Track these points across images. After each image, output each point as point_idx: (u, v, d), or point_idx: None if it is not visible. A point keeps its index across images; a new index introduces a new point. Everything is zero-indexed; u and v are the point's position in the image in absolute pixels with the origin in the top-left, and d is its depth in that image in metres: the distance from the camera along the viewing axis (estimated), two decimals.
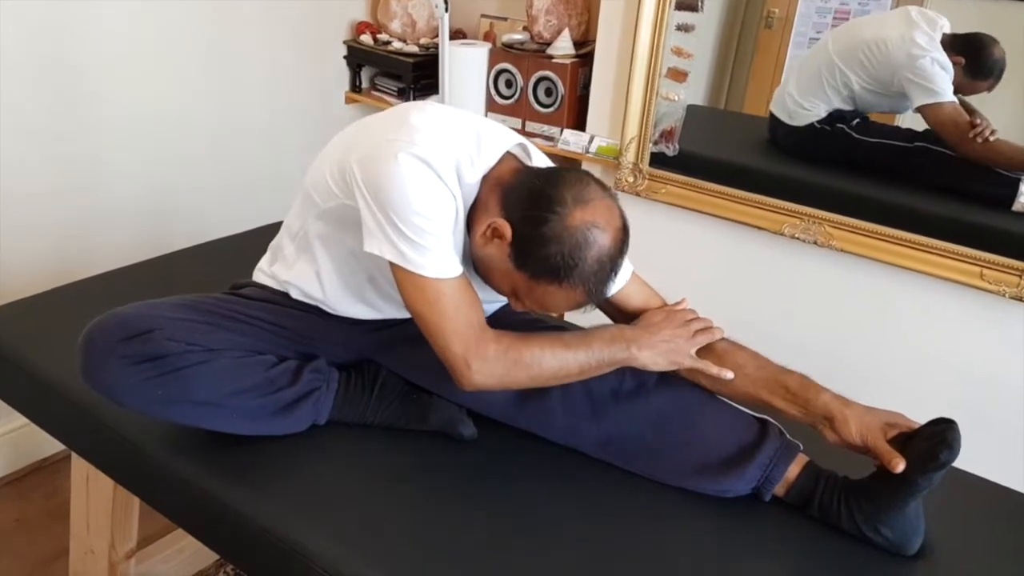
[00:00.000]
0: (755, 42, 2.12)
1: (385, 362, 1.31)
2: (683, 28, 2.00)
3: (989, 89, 1.73)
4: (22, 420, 1.50)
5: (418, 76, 2.51)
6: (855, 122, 1.93)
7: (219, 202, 2.37)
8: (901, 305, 1.88)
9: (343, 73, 2.66)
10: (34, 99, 1.90)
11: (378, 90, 2.68)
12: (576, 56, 2.30)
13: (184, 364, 1.11)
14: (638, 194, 2.14)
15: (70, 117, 1.98)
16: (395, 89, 2.60)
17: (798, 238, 1.94)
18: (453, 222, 1.14)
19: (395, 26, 2.59)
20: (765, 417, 1.23)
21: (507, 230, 1.10)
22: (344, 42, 2.62)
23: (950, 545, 1.15)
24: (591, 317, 1.28)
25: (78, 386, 1.16)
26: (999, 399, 1.79)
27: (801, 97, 1.97)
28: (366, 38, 2.58)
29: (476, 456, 1.25)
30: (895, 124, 1.92)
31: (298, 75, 2.52)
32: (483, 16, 2.59)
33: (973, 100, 1.75)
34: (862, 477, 1.15)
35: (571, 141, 2.26)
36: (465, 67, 2.39)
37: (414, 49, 2.54)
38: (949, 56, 1.75)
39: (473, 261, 1.20)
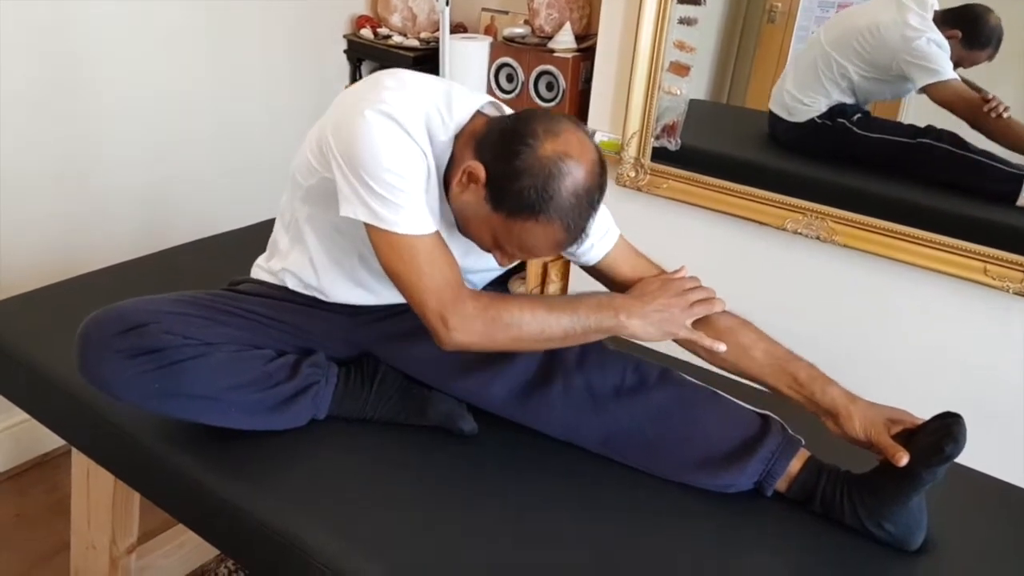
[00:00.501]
0: (758, 36, 2.11)
1: (384, 356, 1.31)
2: (685, 22, 1.99)
3: (990, 58, 1.71)
4: (22, 415, 1.50)
5: (418, 70, 2.48)
6: (856, 117, 1.92)
7: (218, 196, 2.37)
8: (904, 300, 1.87)
9: (343, 67, 2.66)
10: (33, 92, 1.90)
11: None
12: (577, 50, 2.29)
13: (181, 357, 1.11)
14: (640, 189, 2.13)
15: (70, 112, 1.98)
16: None
17: (801, 233, 1.94)
18: (425, 179, 1.13)
19: (395, 20, 2.58)
20: (767, 412, 1.23)
21: (481, 171, 1.09)
22: (344, 36, 2.62)
23: (953, 540, 1.14)
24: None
25: (77, 381, 1.16)
26: (1002, 395, 1.78)
27: (800, 93, 1.96)
28: (366, 32, 2.58)
29: (476, 451, 1.24)
30: (897, 119, 1.91)
31: (298, 69, 2.52)
32: (484, 10, 2.58)
33: (982, 81, 1.74)
34: (865, 472, 1.15)
35: None
36: (466, 61, 2.38)
37: (414, 43, 2.53)
38: (944, 32, 1.74)
39: (455, 217, 1.19)
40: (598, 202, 1.12)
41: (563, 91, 2.28)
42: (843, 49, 1.88)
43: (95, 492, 1.53)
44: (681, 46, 2.02)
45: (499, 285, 1.43)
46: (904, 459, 1.07)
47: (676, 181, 2.09)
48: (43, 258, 2.00)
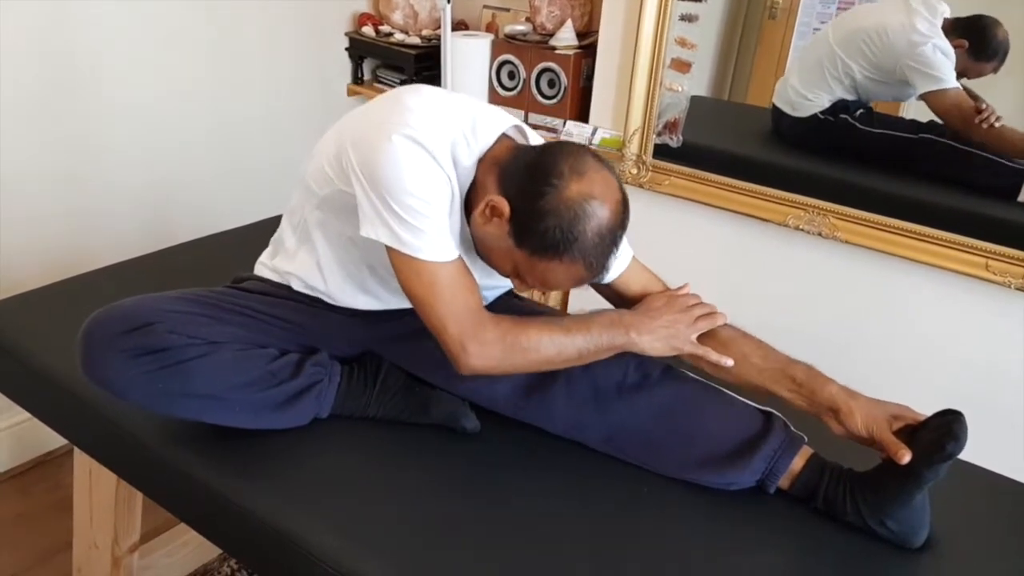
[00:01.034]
0: (759, 32, 2.10)
1: (387, 355, 1.31)
2: (686, 18, 1.99)
3: (995, 70, 1.71)
4: (25, 414, 1.50)
5: (420, 68, 2.50)
6: (859, 113, 1.91)
7: (220, 194, 2.37)
8: (906, 296, 1.87)
9: (345, 65, 2.65)
10: (33, 91, 1.90)
11: (380, 82, 2.67)
12: (579, 47, 2.29)
13: (185, 357, 1.11)
14: (642, 186, 2.13)
15: (70, 111, 1.98)
16: (397, 81, 2.60)
17: (802, 229, 1.93)
18: (449, 205, 1.13)
19: (397, 17, 2.58)
20: (769, 409, 1.22)
21: (505, 207, 1.09)
22: (346, 34, 2.62)
23: (955, 538, 1.14)
24: (591, 305, 1.27)
25: (80, 380, 1.15)
26: (1004, 390, 1.78)
27: (804, 88, 1.96)
28: (368, 30, 2.57)
29: (479, 449, 1.24)
30: (899, 115, 1.91)
31: (300, 67, 2.52)
32: (485, 7, 2.58)
33: (980, 86, 1.74)
34: (867, 469, 1.14)
35: (574, 133, 2.25)
36: (467, 59, 2.38)
37: (416, 41, 2.53)
38: (952, 40, 1.74)
39: (474, 244, 1.19)
40: (620, 239, 1.13)
41: (564, 88, 2.28)
42: (849, 48, 1.88)
43: (97, 491, 1.53)
44: (682, 43, 2.01)
45: (506, 292, 1.43)
46: (906, 456, 1.06)
47: (678, 178, 2.09)
48: (44, 257, 2.00)
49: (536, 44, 2.33)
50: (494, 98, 2.43)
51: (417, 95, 1.16)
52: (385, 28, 2.58)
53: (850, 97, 1.91)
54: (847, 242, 1.88)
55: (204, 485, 1.16)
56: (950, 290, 1.80)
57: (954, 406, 1.09)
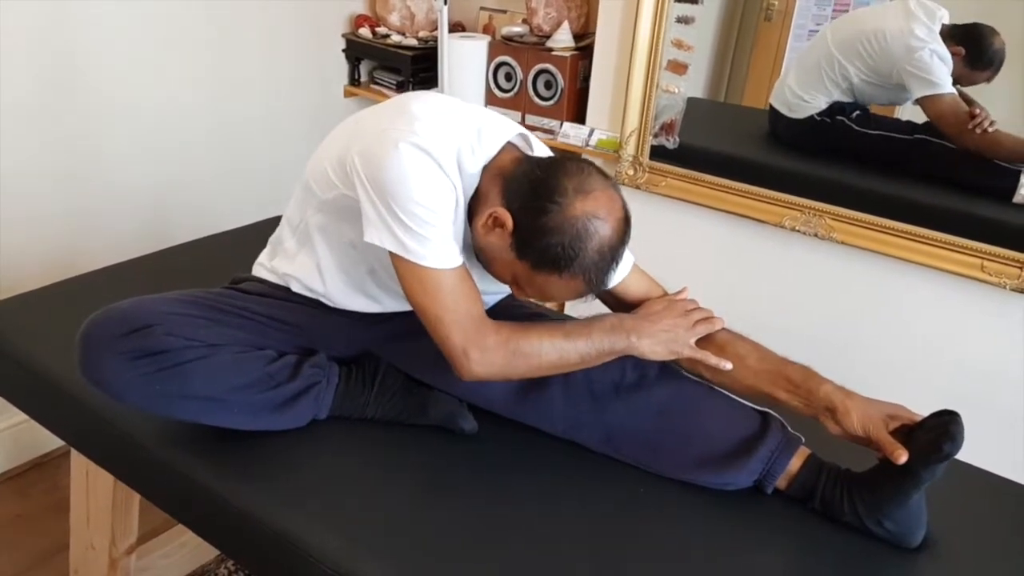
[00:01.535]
0: (755, 34, 2.11)
1: (385, 356, 1.31)
2: (683, 20, 2.00)
3: (989, 80, 1.72)
4: (22, 416, 1.50)
5: (417, 69, 2.50)
6: (855, 114, 1.92)
7: (218, 195, 2.37)
8: (902, 297, 1.88)
9: (342, 66, 2.66)
10: (33, 92, 1.89)
11: (377, 83, 2.67)
12: (576, 49, 2.29)
13: (183, 359, 1.11)
14: (638, 187, 2.13)
15: (70, 112, 1.98)
16: (394, 82, 2.60)
17: (798, 231, 1.94)
18: (454, 212, 1.13)
19: (394, 19, 2.58)
20: (767, 410, 1.23)
21: (508, 220, 1.10)
22: (343, 35, 2.62)
23: (953, 537, 1.15)
24: (592, 309, 1.27)
25: (77, 381, 1.15)
26: (1000, 391, 1.79)
27: (801, 90, 1.97)
28: (365, 31, 2.58)
29: (477, 450, 1.24)
30: (895, 116, 1.91)
31: (297, 69, 2.52)
32: (482, 9, 2.58)
33: (973, 91, 1.75)
34: (864, 470, 1.15)
35: (571, 134, 2.25)
36: (464, 60, 2.38)
37: (413, 42, 2.53)
38: (949, 47, 1.75)
39: (475, 251, 1.19)
40: (621, 255, 1.14)
41: (561, 90, 2.28)
42: (847, 51, 1.89)
43: (95, 492, 1.53)
44: (679, 44, 2.02)
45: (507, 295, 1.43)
46: (903, 457, 1.07)
47: (674, 179, 2.09)
48: (42, 258, 2.00)
49: (533, 46, 2.33)
50: (491, 100, 2.43)
51: (423, 103, 1.17)
52: (382, 30, 2.59)
53: (847, 99, 1.92)
54: (843, 243, 1.89)
55: (202, 486, 1.16)
56: (946, 291, 1.81)
57: (950, 407, 1.10)
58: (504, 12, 2.54)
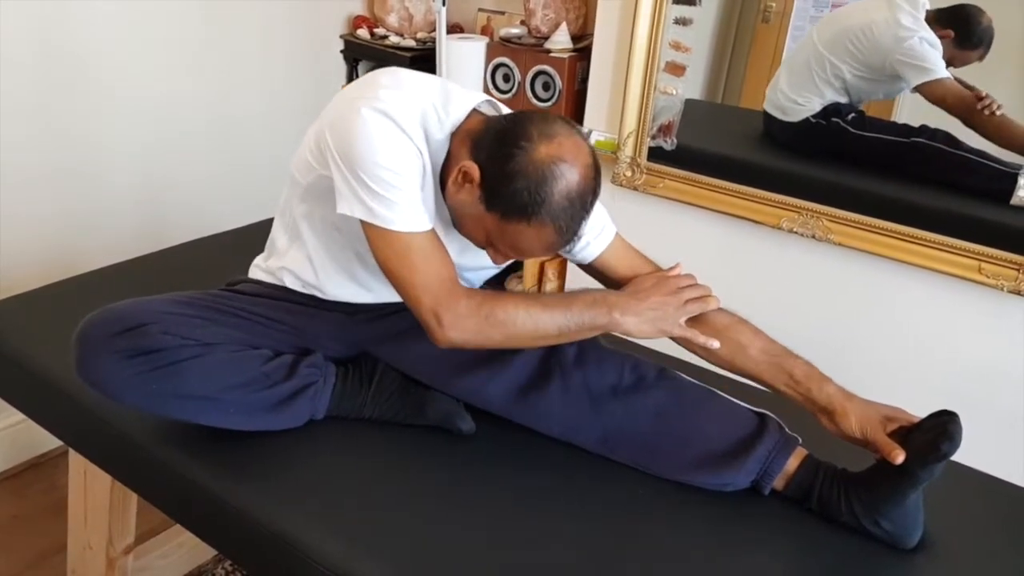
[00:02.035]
0: (752, 36, 2.11)
1: (382, 356, 1.31)
2: (681, 22, 2.00)
3: (981, 58, 1.73)
4: (20, 416, 1.50)
5: (415, 70, 2.49)
6: (851, 116, 1.92)
7: (216, 195, 2.37)
8: (899, 299, 1.88)
9: (340, 67, 2.65)
10: (32, 91, 1.89)
11: None
12: (574, 50, 2.29)
13: (179, 358, 1.11)
14: (636, 188, 2.14)
15: (68, 111, 1.98)
16: None
17: (796, 232, 1.94)
18: (420, 177, 1.14)
19: (392, 20, 2.58)
20: (764, 411, 1.23)
21: (475, 172, 1.10)
22: (341, 36, 2.62)
23: (949, 538, 1.15)
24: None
25: (75, 381, 1.15)
26: (998, 393, 1.79)
27: (793, 92, 1.97)
28: (363, 32, 2.58)
29: (474, 450, 1.25)
30: (892, 118, 1.92)
31: (296, 70, 2.52)
32: (480, 10, 2.59)
33: (978, 79, 1.74)
34: (861, 470, 1.15)
35: None
36: (462, 61, 2.38)
37: (411, 43, 2.53)
38: (937, 31, 1.76)
39: (450, 216, 1.19)
40: (591, 205, 1.13)
41: (559, 91, 2.29)
42: (836, 49, 1.89)
43: (92, 493, 1.52)
44: (677, 46, 2.02)
45: (496, 284, 1.44)
46: (900, 457, 1.07)
47: (672, 180, 2.09)
48: (41, 257, 2.00)
49: (531, 47, 2.33)
50: None
51: (389, 75, 1.18)
52: (380, 31, 2.59)
53: (842, 99, 1.92)
54: (840, 244, 1.89)
55: (199, 486, 1.16)
56: (943, 293, 1.81)
57: (946, 407, 1.10)
58: (502, 13, 2.54)
